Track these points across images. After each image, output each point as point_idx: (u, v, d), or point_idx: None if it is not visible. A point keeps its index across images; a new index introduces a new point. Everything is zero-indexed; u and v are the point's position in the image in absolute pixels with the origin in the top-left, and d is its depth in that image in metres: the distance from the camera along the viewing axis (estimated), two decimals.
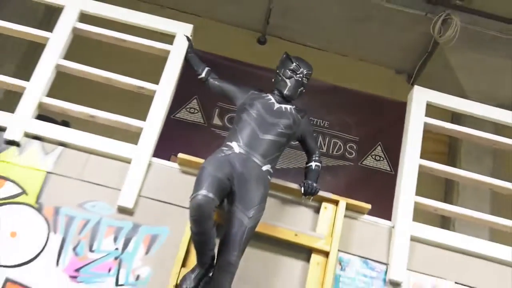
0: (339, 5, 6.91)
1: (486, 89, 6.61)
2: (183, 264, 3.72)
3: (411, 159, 4.33)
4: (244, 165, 3.70)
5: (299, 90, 4.12)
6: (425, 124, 4.45)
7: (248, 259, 3.78)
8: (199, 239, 3.51)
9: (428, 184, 4.52)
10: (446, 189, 6.91)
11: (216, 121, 6.70)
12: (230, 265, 3.45)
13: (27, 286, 3.70)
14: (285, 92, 4.05)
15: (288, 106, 4.06)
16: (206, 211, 3.39)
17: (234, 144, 3.79)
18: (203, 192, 3.39)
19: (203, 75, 4.26)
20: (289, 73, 4.09)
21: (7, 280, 3.69)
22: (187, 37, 4.40)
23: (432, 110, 4.52)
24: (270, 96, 4.08)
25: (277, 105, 4.02)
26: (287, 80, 4.08)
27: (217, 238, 3.52)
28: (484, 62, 6.86)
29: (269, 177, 3.80)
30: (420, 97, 4.53)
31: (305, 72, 4.12)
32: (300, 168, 6.57)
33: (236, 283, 3.61)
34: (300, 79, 4.09)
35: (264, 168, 3.76)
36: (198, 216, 3.40)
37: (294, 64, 4.12)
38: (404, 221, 4.13)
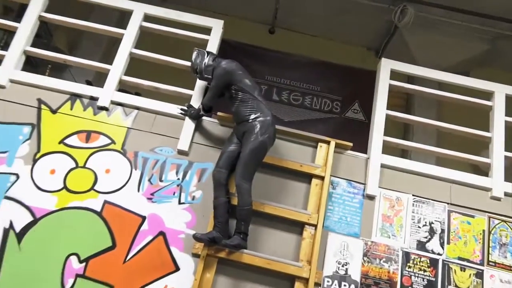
0: (325, 3, 6.78)
1: (432, 58, 6.51)
2: None
3: (380, 110, 4.30)
4: (240, 129, 3.71)
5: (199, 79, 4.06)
6: (390, 85, 4.39)
7: (268, 184, 3.91)
8: (214, 204, 3.60)
9: (392, 127, 4.49)
10: (404, 131, 6.88)
11: None
12: (237, 186, 3.52)
13: (118, 205, 3.79)
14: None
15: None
16: (217, 179, 3.62)
17: None
18: (216, 168, 3.67)
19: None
20: None
21: (105, 202, 3.78)
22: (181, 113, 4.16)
23: (394, 75, 4.45)
24: None
25: None
26: None
27: None
28: (430, 39, 6.73)
29: (254, 122, 3.62)
30: (386, 66, 4.46)
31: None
32: (301, 120, 6.61)
33: (261, 199, 3.72)
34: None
35: (250, 119, 3.65)
36: (214, 182, 3.61)
37: None
38: (376, 153, 4.14)
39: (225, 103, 3.95)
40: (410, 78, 5.05)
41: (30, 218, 3.70)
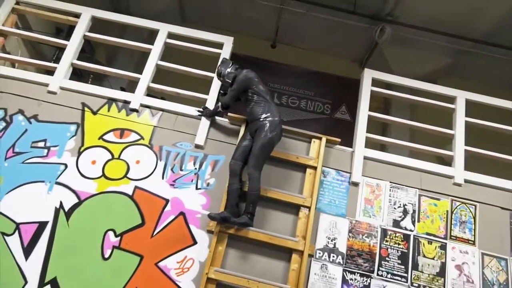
0: (318, 23, 6.68)
1: (406, 69, 6.38)
2: None
3: (363, 112, 4.22)
4: (252, 127, 3.64)
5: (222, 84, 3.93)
6: (371, 91, 4.31)
7: (270, 173, 3.81)
8: (228, 189, 3.55)
9: (373, 126, 4.39)
10: (383, 129, 6.78)
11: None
12: (249, 174, 3.47)
13: (147, 190, 3.75)
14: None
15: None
16: (233, 169, 3.55)
17: None
18: (232, 160, 3.58)
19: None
20: None
21: (136, 188, 3.74)
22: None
23: (374, 82, 4.37)
24: None
25: None
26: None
27: None
28: (404, 53, 6.68)
29: (265, 121, 3.56)
30: (368, 75, 4.37)
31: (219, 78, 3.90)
32: (297, 120, 6.53)
33: (264, 186, 3.63)
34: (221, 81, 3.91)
35: (261, 119, 3.59)
36: (230, 172, 3.54)
37: None
38: (360, 148, 4.06)
39: (236, 106, 3.88)
40: (388, 85, 4.97)
41: (76, 200, 3.68)
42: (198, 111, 4.03)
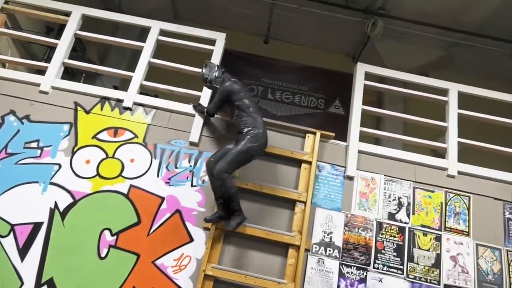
0: (310, 18, 6.66)
1: (398, 62, 6.39)
2: None
3: (357, 106, 4.19)
4: (237, 137, 3.52)
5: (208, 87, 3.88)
6: (364, 85, 4.29)
7: (265, 168, 3.80)
8: (212, 187, 3.47)
9: (367, 120, 4.39)
10: (377, 122, 6.77)
11: None
12: (218, 178, 3.33)
13: (142, 188, 3.72)
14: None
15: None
16: (210, 168, 3.45)
17: None
18: (211, 158, 3.52)
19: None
20: None
21: (131, 186, 3.72)
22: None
23: (368, 76, 4.34)
24: None
25: None
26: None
27: None
28: (396, 46, 6.68)
29: (247, 134, 3.41)
30: (361, 69, 4.35)
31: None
32: (291, 115, 6.52)
33: (260, 182, 3.64)
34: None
35: (243, 132, 3.44)
36: (207, 170, 3.52)
37: None
38: (354, 142, 4.05)
39: None
40: (381, 79, 4.96)
41: (70, 200, 3.65)
42: (193, 105, 3.99)
